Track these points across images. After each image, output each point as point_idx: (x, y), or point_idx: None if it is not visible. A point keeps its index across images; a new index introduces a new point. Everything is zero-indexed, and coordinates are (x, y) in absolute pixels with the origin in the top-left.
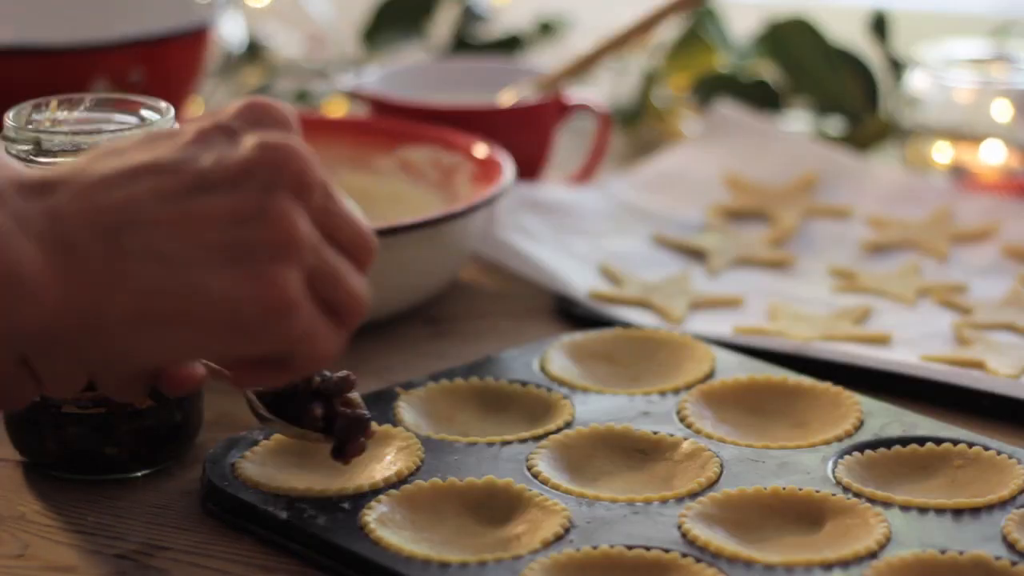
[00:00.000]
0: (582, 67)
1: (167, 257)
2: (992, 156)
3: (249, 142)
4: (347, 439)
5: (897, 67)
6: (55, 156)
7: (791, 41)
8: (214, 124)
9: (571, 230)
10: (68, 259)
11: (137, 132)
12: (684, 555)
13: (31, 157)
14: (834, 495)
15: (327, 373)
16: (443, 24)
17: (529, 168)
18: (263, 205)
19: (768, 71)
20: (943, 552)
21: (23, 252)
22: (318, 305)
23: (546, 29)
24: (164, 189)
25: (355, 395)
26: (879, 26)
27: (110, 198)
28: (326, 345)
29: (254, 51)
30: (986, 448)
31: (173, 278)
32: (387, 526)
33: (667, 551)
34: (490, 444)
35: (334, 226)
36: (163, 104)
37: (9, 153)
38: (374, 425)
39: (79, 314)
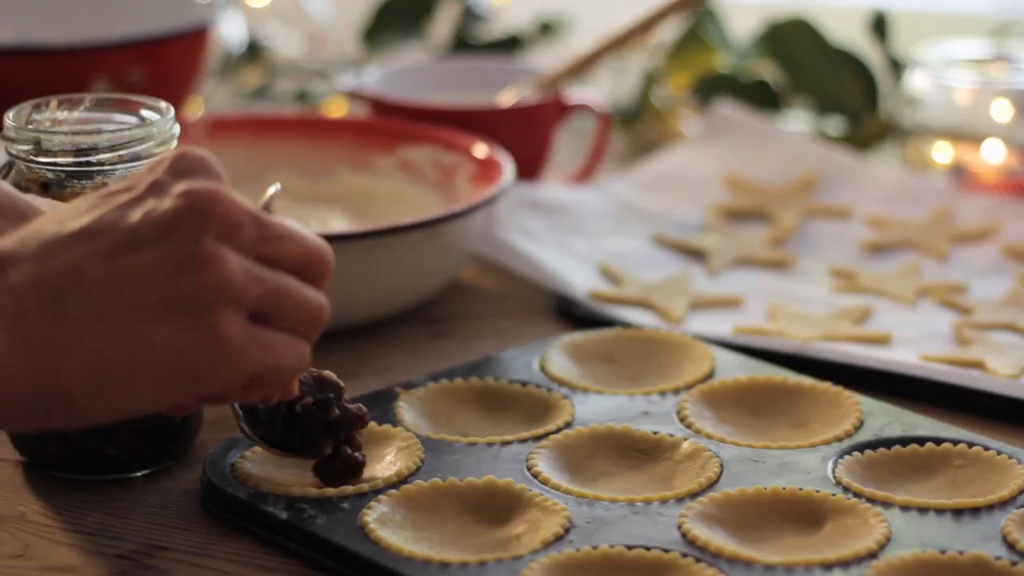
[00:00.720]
0: (582, 67)
1: (109, 316)
2: (992, 156)
3: (174, 192)
4: (339, 478)
5: (897, 67)
6: (55, 156)
7: (791, 41)
8: (145, 181)
9: (571, 230)
10: (20, 327)
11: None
12: (684, 555)
13: (31, 157)
14: (834, 495)
15: (349, 406)
16: (443, 24)
17: (529, 168)
18: (191, 252)
19: (768, 71)
20: (943, 552)
21: None
22: (276, 326)
23: (546, 29)
24: (99, 250)
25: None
26: (879, 26)
27: (52, 265)
28: (291, 360)
29: (254, 51)
30: (986, 448)
31: (118, 336)
32: (387, 526)
33: (667, 551)
34: (490, 444)
35: (278, 252)
36: (163, 104)
37: (9, 153)
38: (373, 425)
39: (37, 378)
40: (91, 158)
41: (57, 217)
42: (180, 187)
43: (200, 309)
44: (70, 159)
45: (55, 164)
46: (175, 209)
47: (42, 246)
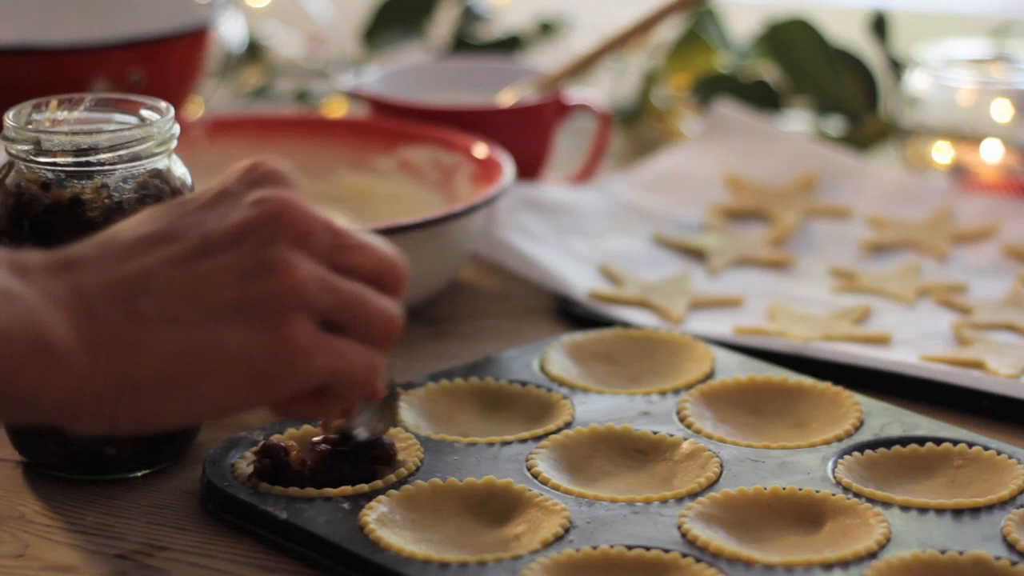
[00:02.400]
0: (582, 67)
1: (180, 319)
2: (992, 156)
3: (247, 201)
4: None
5: (897, 67)
6: (55, 156)
7: (791, 41)
8: (217, 190)
9: (571, 230)
10: (92, 326)
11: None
12: (684, 555)
13: (31, 157)
14: (834, 495)
15: (385, 439)
16: (443, 24)
17: (529, 168)
18: (263, 258)
19: (768, 71)
20: (943, 552)
21: (52, 321)
22: (348, 335)
23: (546, 29)
24: (172, 256)
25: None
26: (879, 26)
27: (124, 269)
28: (361, 368)
29: (254, 51)
30: (986, 448)
31: (188, 338)
32: (387, 526)
33: (667, 551)
34: (490, 444)
35: (351, 261)
36: (163, 104)
37: (9, 153)
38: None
39: (106, 378)
40: (91, 158)
41: (130, 225)
42: (254, 196)
43: (270, 312)
44: (70, 159)
45: (55, 164)
46: (248, 217)
47: (114, 251)
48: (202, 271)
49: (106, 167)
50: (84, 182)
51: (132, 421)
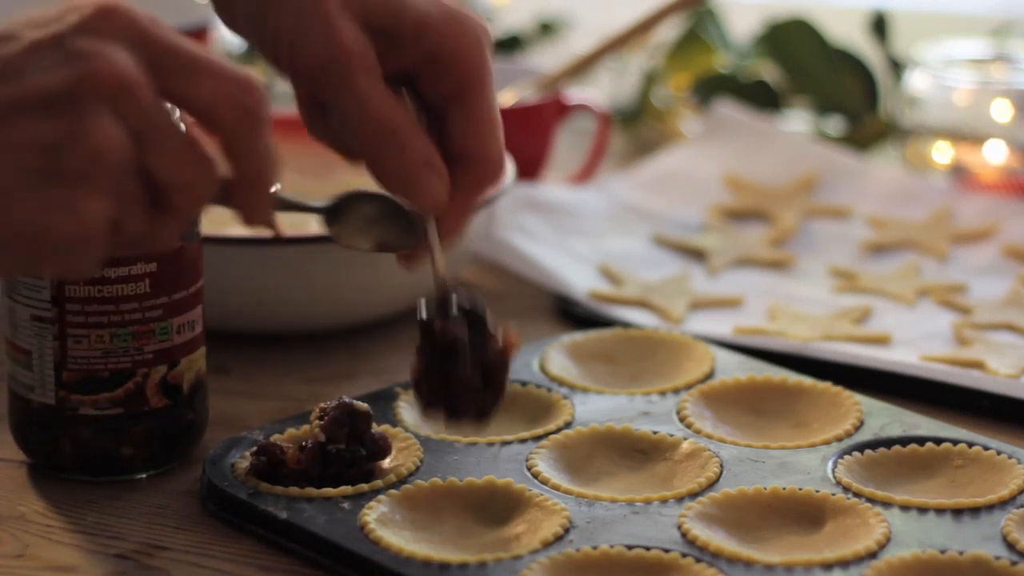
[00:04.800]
0: (582, 67)
1: None
2: (992, 156)
3: (72, 56)
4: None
5: (897, 67)
6: None
7: (791, 41)
8: (50, 35)
9: (571, 230)
10: None
11: None
12: (684, 555)
13: None
14: (834, 495)
15: (375, 435)
16: None
17: (529, 168)
18: (72, 129)
19: (768, 71)
20: (943, 552)
21: None
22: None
23: (546, 29)
24: None
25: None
26: (879, 26)
27: None
28: (149, 241)
29: (254, 51)
30: (986, 448)
31: None
32: (387, 526)
33: (667, 551)
34: (490, 444)
35: (185, 93)
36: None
37: None
38: (373, 425)
39: None
40: None
41: None
42: (83, 47)
43: (67, 186)
44: None
45: None
46: (68, 79)
47: None
48: (13, 134)
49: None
50: None
51: None
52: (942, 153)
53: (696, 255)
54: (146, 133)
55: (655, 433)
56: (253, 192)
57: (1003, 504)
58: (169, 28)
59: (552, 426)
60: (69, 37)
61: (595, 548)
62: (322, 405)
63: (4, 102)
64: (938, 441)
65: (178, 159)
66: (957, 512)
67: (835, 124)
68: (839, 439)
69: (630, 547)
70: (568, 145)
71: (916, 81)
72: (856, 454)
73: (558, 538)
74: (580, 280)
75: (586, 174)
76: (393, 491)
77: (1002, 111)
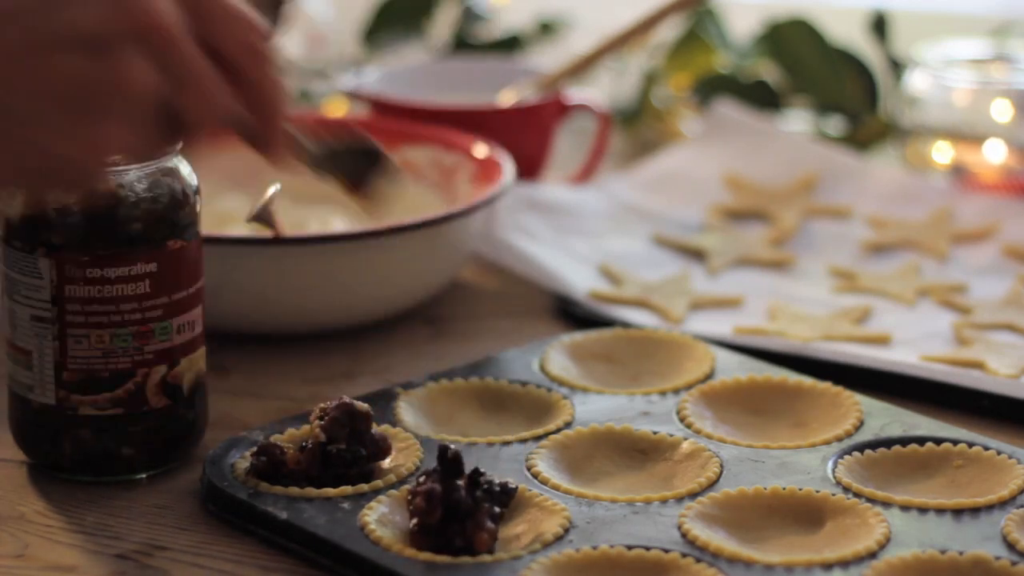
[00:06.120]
0: (582, 67)
1: (10, 110)
2: (992, 156)
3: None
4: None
5: (897, 67)
6: None
7: (791, 41)
8: None
9: (571, 230)
10: None
11: None
12: (684, 555)
13: None
14: (834, 495)
15: (375, 435)
16: (443, 24)
17: (529, 168)
18: (106, 67)
19: (768, 71)
20: (943, 552)
21: None
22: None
23: (546, 29)
24: (15, 42)
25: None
26: (879, 26)
27: None
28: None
29: None
30: (986, 448)
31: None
32: (387, 526)
33: (667, 551)
34: (490, 444)
35: (214, 32)
36: None
37: None
38: (373, 425)
39: None
40: None
41: None
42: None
43: (93, 119)
44: None
45: None
46: (102, 20)
47: None
48: (43, 67)
49: (120, 167)
50: None
51: None
52: (942, 153)
53: (696, 255)
54: (181, 78)
55: (655, 433)
56: (268, 120)
57: (1003, 504)
58: None
59: (552, 426)
60: None
61: (595, 548)
62: (322, 405)
63: (43, 34)
64: (938, 441)
65: (210, 103)
66: (957, 512)
67: (835, 124)
68: (839, 439)
69: (630, 547)
70: (568, 145)
71: (916, 81)
72: (856, 454)
73: (558, 538)
74: (580, 280)
75: (586, 174)
76: (393, 491)
77: (1002, 111)
